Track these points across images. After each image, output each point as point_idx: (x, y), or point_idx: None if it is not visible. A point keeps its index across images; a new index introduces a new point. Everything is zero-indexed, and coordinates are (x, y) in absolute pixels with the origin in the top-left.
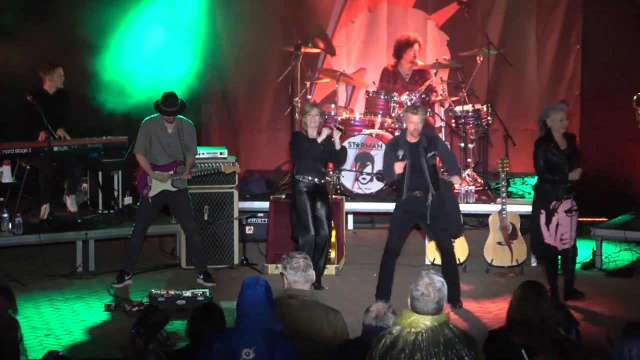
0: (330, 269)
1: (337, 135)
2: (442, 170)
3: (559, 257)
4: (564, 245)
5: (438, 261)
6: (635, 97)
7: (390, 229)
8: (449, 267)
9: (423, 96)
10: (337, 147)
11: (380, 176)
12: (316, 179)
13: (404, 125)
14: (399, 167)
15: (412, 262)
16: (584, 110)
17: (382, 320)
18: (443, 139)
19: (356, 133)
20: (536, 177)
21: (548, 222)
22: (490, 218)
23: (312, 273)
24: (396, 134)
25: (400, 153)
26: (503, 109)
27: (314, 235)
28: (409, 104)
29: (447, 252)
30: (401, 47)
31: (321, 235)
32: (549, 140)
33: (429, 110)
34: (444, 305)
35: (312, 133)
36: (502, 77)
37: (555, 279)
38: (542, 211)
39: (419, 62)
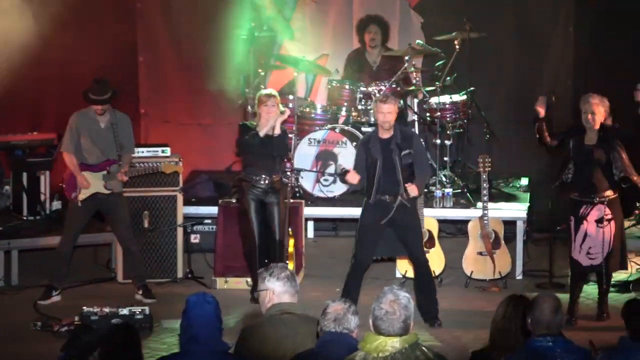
0: None
1: (279, 119)
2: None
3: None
4: (591, 261)
5: (411, 274)
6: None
7: (358, 238)
8: (424, 281)
9: (394, 86)
10: (277, 131)
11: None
12: (266, 179)
13: (373, 119)
14: (352, 178)
15: (380, 275)
16: (577, 101)
17: (342, 324)
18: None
19: (317, 128)
20: (523, 178)
21: (576, 231)
22: (470, 225)
23: (298, 282)
24: (363, 129)
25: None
26: (486, 101)
27: (258, 243)
28: (377, 95)
29: (420, 263)
30: (358, 30)
31: (273, 242)
32: (576, 131)
33: (401, 102)
34: (411, 325)
35: (265, 126)
36: (485, 64)
37: (575, 298)
38: (572, 217)
39: (383, 48)
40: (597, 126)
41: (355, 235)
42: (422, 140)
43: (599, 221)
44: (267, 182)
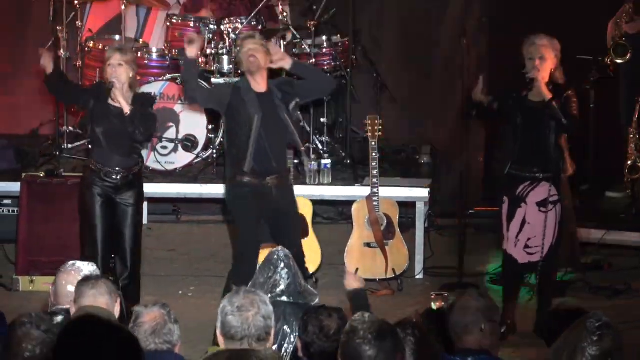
0: None
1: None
2: None
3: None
4: (529, 257)
5: None
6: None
7: (241, 239)
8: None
9: (254, 23)
10: (126, 110)
11: (189, 144)
12: (120, 172)
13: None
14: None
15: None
16: (492, 43)
17: (161, 336)
18: None
19: (152, 79)
20: (424, 146)
21: (511, 218)
22: (355, 207)
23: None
24: (214, 80)
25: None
26: (375, 44)
27: (102, 256)
28: (232, 35)
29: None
30: None
31: (122, 262)
32: (521, 90)
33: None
34: (272, 335)
35: (118, 96)
36: None
37: (512, 304)
38: (505, 199)
39: None
40: (546, 76)
41: (237, 227)
42: None
43: (542, 204)
44: (120, 176)
